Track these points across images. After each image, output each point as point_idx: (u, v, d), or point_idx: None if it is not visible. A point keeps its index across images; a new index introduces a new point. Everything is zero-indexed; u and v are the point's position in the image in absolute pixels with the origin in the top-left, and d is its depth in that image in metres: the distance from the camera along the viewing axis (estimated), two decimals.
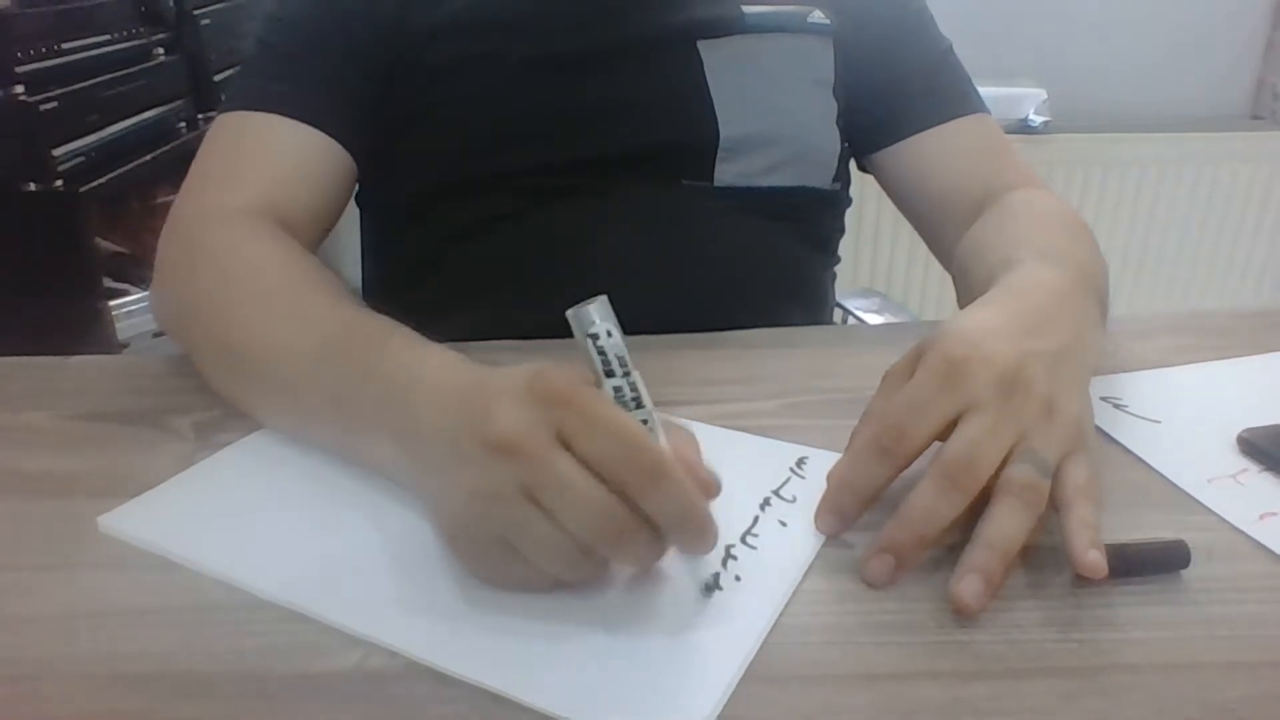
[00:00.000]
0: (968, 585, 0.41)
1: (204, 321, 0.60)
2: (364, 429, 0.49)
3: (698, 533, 0.40)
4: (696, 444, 0.43)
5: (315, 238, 0.72)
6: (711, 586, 0.43)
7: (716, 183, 0.77)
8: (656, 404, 0.41)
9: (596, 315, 0.40)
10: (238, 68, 0.78)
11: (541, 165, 0.75)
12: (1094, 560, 0.42)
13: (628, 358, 0.41)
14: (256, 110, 0.71)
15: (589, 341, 0.40)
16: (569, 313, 0.40)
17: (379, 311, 0.55)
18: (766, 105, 0.77)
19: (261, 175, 0.69)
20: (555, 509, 0.38)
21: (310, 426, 0.54)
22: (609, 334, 0.40)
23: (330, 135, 0.71)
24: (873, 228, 2.02)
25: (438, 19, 0.74)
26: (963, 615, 0.41)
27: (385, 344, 0.50)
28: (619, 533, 0.39)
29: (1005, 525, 0.43)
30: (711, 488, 0.42)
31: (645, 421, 0.40)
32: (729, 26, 0.76)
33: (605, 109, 0.75)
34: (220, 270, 0.61)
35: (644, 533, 0.39)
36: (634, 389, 0.40)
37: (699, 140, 0.76)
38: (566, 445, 0.38)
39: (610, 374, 0.40)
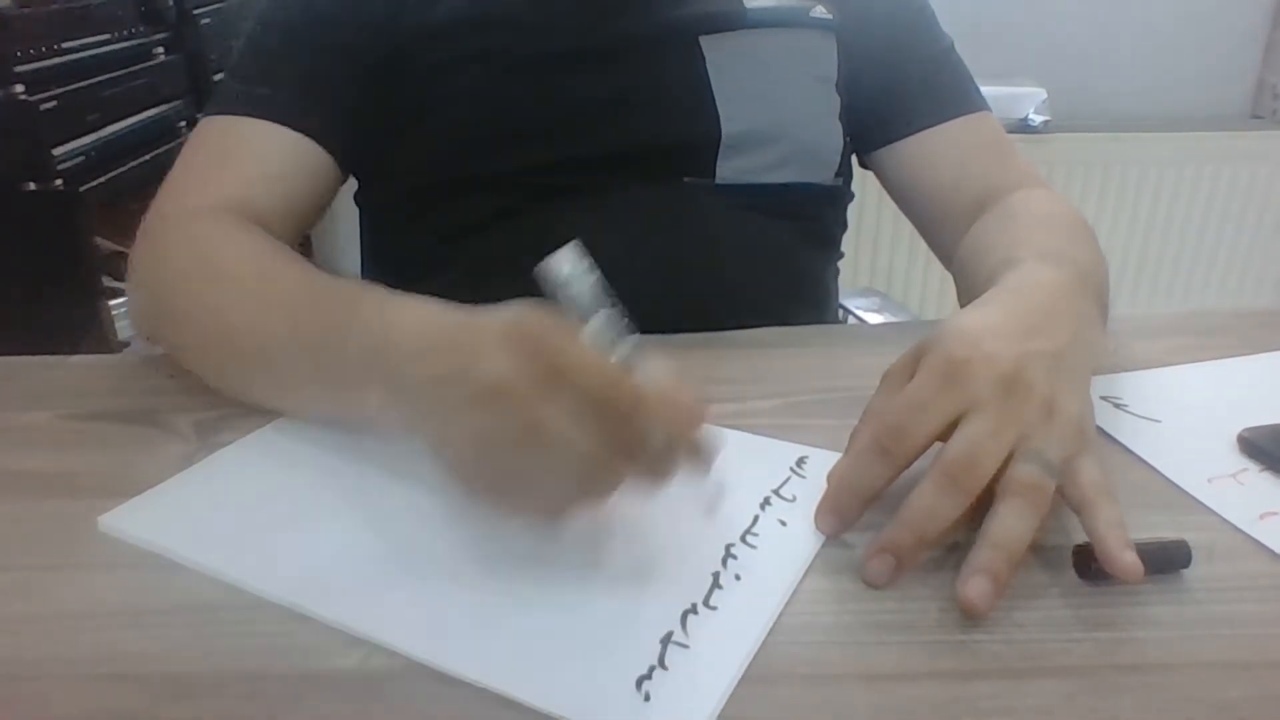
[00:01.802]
0: (975, 586, 0.41)
1: (181, 317, 0.61)
2: (351, 385, 0.49)
3: (691, 454, 0.42)
4: (674, 372, 0.44)
5: (290, 237, 0.71)
6: (715, 508, 0.45)
7: (718, 180, 0.76)
8: None
9: (565, 262, 0.42)
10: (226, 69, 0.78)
11: (542, 163, 0.74)
12: (1131, 561, 0.41)
13: (603, 295, 0.43)
14: (236, 114, 0.71)
15: (564, 288, 0.42)
16: (539, 266, 0.42)
17: None
18: (769, 101, 0.77)
19: (235, 177, 0.69)
20: (552, 443, 0.40)
21: (298, 396, 0.55)
22: (583, 275, 0.42)
23: (309, 136, 0.71)
24: (873, 227, 2.02)
25: (433, 19, 0.74)
26: (971, 616, 0.41)
27: (359, 301, 0.52)
28: (620, 451, 0.40)
29: (1012, 525, 0.42)
30: (696, 414, 0.43)
31: (625, 357, 0.42)
32: (731, 22, 0.76)
33: (606, 106, 0.75)
34: (187, 264, 0.62)
35: (646, 448, 0.41)
36: (612, 324, 0.42)
37: (701, 137, 0.75)
38: (551, 386, 0.40)
39: (588, 315, 0.42)
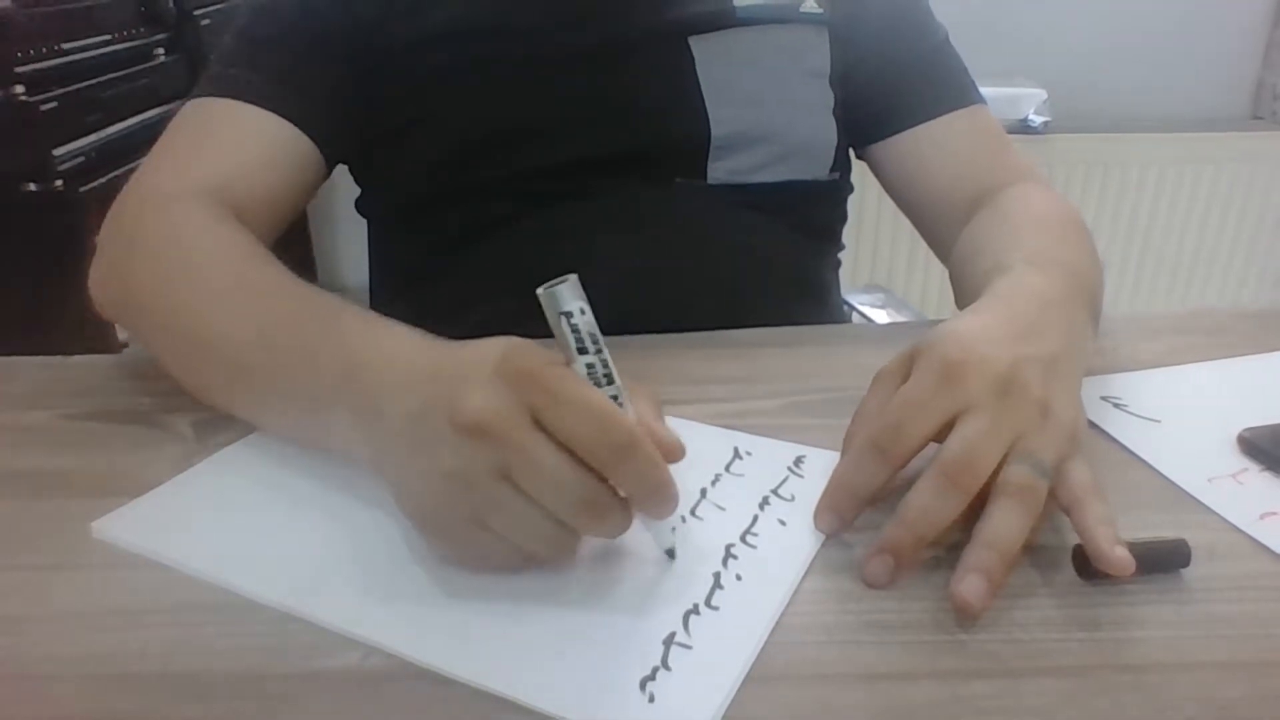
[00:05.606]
0: (969, 585, 0.41)
1: (148, 311, 0.60)
2: (319, 407, 0.48)
3: (664, 501, 0.41)
4: (658, 407, 0.45)
5: (270, 225, 0.70)
6: (674, 551, 0.45)
7: (710, 180, 0.76)
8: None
9: (568, 295, 0.40)
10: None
11: (535, 168, 0.74)
12: (1121, 556, 0.41)
13: (599, 335, 0.41)
14: (222, 97, 0.70)
15: (562, 320, 0.40)
16: (540, 292, 0.40)
17: (386, 316, 0.55)
18: (759, 100, 0.77)
19: (217, 158, 0.68)
20: (532, 489, 0.39)
21: (265, 409, 0.53)
22: (581, 312, 0.40)
23: (294, 123, 0.70)
24: (874, 223, 2.02)
25: (423, 28, 0.73)
26: (965, 615, 0.41)
27: (336, 321, 0.50)
28: (594, 507, 0.40)
29: (1004, 525, 0.42)
30: (675, 451, 0.43)
31: (615, 397, 0.41)
32: (720, 20, 0.76)
33: (596, 109, 0.74)
34: (156, 259, 0.61)
35: (616, 505, 0.40)
36: (605, 365, 0.41)
37: (691, 139, 0.75)
38: (539, 425, 0.39)
39: (583, 351, 0.41)
